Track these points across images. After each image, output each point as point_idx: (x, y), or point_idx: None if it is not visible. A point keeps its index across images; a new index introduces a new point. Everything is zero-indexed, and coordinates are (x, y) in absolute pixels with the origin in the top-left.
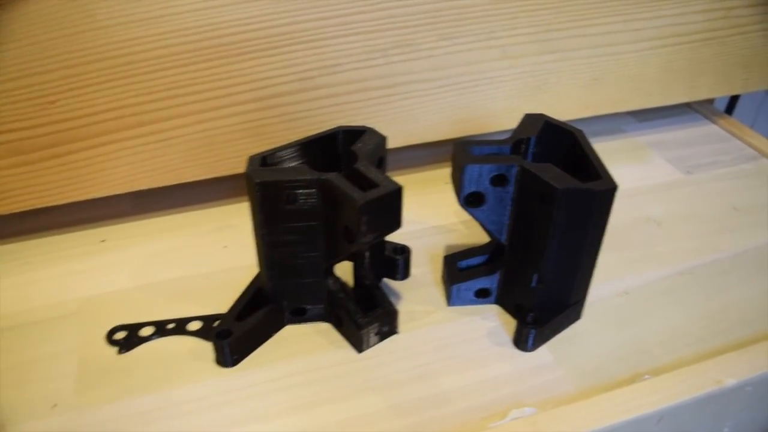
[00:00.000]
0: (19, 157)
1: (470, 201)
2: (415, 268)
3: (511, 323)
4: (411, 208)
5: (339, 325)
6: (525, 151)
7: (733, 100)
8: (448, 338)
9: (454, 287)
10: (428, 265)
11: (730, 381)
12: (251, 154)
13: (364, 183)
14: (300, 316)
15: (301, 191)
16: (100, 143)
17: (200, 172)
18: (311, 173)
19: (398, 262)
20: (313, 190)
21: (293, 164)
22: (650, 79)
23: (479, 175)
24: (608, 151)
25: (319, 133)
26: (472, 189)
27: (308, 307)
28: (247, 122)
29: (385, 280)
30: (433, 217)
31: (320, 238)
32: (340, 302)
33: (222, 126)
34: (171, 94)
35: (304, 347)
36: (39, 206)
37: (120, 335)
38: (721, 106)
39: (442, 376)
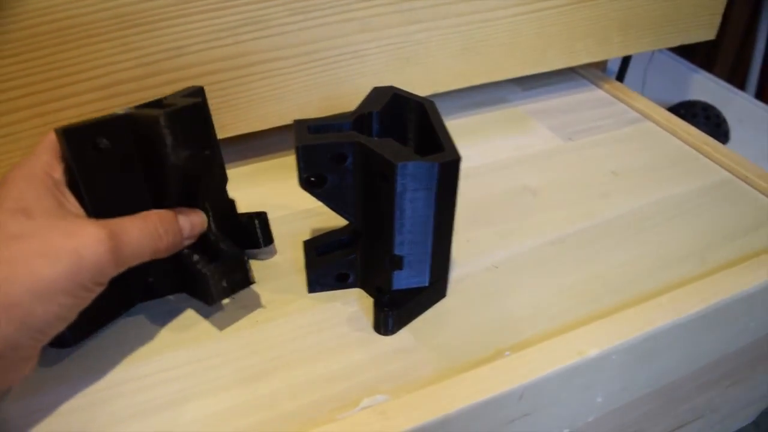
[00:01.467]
0: None
1: (311, 182)
2: (279, 255)
3: (372, 307)
4: (278, 193)
5: (193, 288)
6: (368, 127)
7: (624, 64)
8: (306, 327)
9: (312, 272)
10: (293, 251)
11: (593, 351)
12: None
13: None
14: (149, 291)
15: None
16: None
17: None
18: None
19: (256, 225)
20: (122, 132)
21: None
22: (524, 46)
23: (316, 155)
24: (490, 121)
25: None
26: (311, 170)
27: (155, 280)
28: (93, 112)
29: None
30: (298, 202)
31: (143, 187)
32: (183, 257)
33: (67, 118)
34: (4, 87)
35: (152, 338)
36: None
37: None
38: (614, 69)
39: (297, 367)
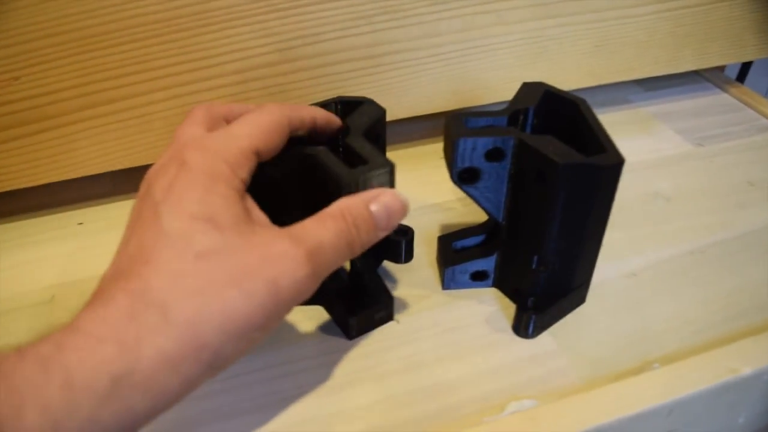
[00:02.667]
0: None
1: (464, 177)
2: None
3: (510, 308)
4: (403, 186)
5: (330, 310)
6: (523, 123)
7: (745, 68)
8: (442, 325)
9: (449, 270)
10: (422, 246)
11: (746, 369)
12: None
13: (355, 160)
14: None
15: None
16: (69, 121)
17: None
18: (295, 148)
19: (401, 243)
20: (293, 165)
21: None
22: (657, 46)
23: (473, 150)
24: (613, 122)
25: (314, 104)
26: (466, 164)
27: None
28: (227, 96)
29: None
30: (427, 195)
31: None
32: (330, 286)
33: (201, 101)
34: (142, 68)
35: (291, 334)
36: (10, 188)
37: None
38: (732, 73)
39: (436, 365)
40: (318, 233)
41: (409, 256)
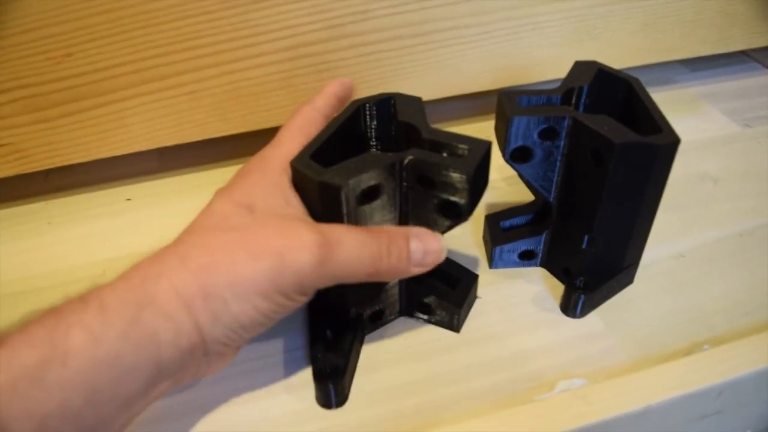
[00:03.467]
0: (37, 113)
1: (516, 156)
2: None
3: (557, 287)
4: None
5: (423, 312)
6: (576, 102)
7: None
8: (491, 303)
9: (497, 249)
10: (468, 226)
11: None
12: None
13: (447, 150)
14: (378, 320)
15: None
16: (121, 98)
17: (229, 127)
18: (386, 159)
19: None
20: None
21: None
22: (705, 25)
23: (527, 128)
24: (659, 102)
25: (340, 118)
26: (519, 143)
27: (383, 307)
28: (276, 73)
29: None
30: None
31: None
32: (421, 288)
33: (249, 78)
34: (192, 45)
35: None
36: (61, 164)
37: None
38: None
39: (485, 343)
40: (345, 233)
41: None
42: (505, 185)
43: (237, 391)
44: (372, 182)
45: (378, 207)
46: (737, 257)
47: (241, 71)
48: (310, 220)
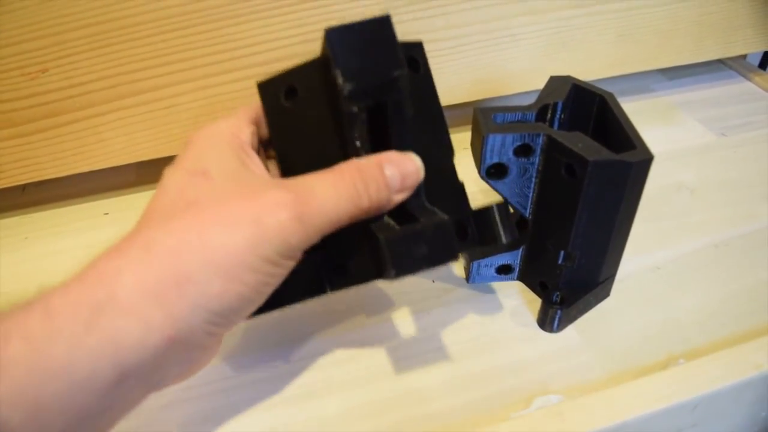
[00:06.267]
0: (13, 129)
1: (492, 173)
2: None
3: (535, 301)
4: None
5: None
6: (551, 118)
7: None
8: (467, 318)
9: (475, 263)
10: None
11: None
12: None
13: None
14: (341, 277)
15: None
16: (97, 113)
17: None
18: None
19: (495, 215)
20: (314, 82)
21: None
22: (681, 35)
23: (502, 145)
24: (636, 111)
25: None
26: (494, 160)
27: (349, 263)
28: (253, 87)
29: None
30: None
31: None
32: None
33: (226, 92)
34: (169, 60)
35: (311, 328)
36: (38, 179)
37: None
38: (755, 60)
39: (462, 359)
40: (314, 181)
41: (510, 233)
42: (482, 197)
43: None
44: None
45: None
46: (713, 269)
47: (218, 86)
48: (271, 178)
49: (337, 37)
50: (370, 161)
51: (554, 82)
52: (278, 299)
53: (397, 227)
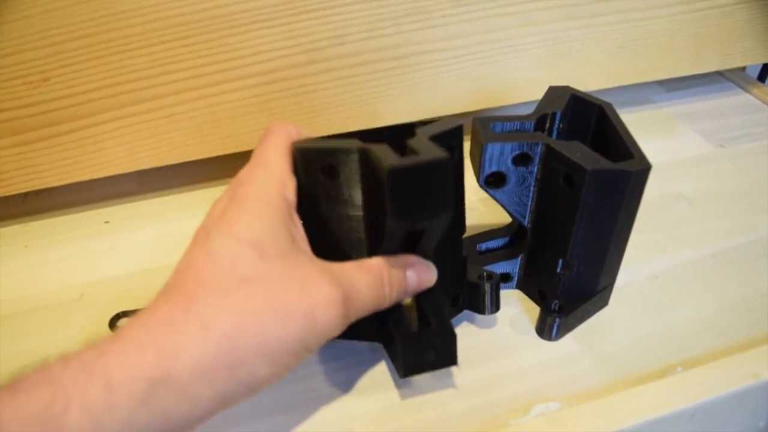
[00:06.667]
0: (14, 137)
1: (490, 181)
2: None
3: (533, 310)
4: None
5: (387, 345)
6: (550, 128)
7: (766, 67)
8: (466, 327)
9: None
10: None
11: None
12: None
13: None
14: (349, 331)
15: (341, 161)
16: (98, 122)
17: (207, 150)
18: (354, 142)
19: (485, 291)
20: (354, 161)
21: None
22: (679, 47)
23: (501, 154)
24: (634, 122)
25: (390, 125)
26: (493, 169)
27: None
28: (254, 97)
29: None
30: None
31: (362, 228)
32: (390, 319)
33: (227, 101)
34: (170, 69)
35: None
36: (38, 187)
37: (124, 323)
38: (754, 72)
39: (462, 367)
40: (355, 280)
41: (494, 306)
42: (481, 206)
43: None
44: None
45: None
46: (711, 279)
47: (219, 95)
48: (319, 261)
49: (396, 179)
50: (397, 263)
51: (553, 92)
52: None
53: (410, 327)
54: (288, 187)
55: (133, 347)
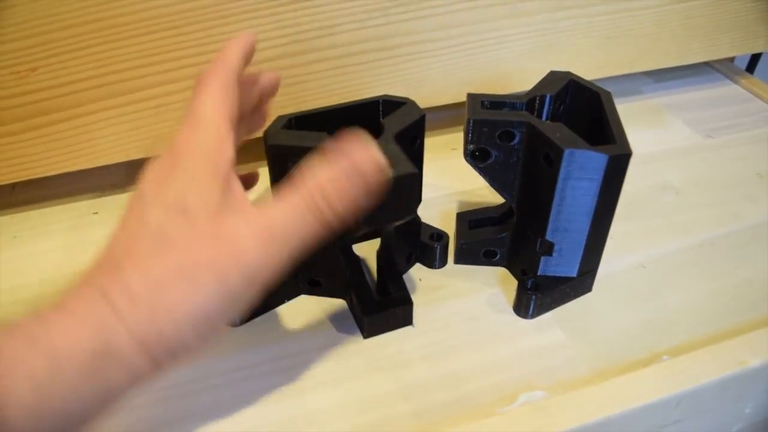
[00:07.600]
0: (2, 128)
1: (475, 156)
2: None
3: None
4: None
5: (351, 305)
6: (540, 110)
7: (755, 58)
8: (453, 316)
9: (461, 243)
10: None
11: (755, 361)
12: (280, 114)
13: None
14: (315, 287)
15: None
16: (86, 112)
17: None
18: (321, 141)
19: (436, 250)
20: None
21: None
22: (667, 38)
23: (485, 130)
24: (623, 113)
25: (357, 101)
26: (477, 144)
27: (322, 280)
28: None
29: None
30: (445, 183)
31: None
32: (353, 282)
33: None
34: (157, 60)
35: (303, 324)
36: (27, 178)
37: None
38: (742, 63)
39: (448, 356)
40: (275, 208)
41: (442, 262)
42: (488, 192)
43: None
44: None
45: None
46: (697, 267)
47: None
48: (245, 204)
49: None
50: (321, 167)
51: (552, 76)
52: (262, 307)
53: (372, 295)
54: (225, 142)
55: (75, 319)
